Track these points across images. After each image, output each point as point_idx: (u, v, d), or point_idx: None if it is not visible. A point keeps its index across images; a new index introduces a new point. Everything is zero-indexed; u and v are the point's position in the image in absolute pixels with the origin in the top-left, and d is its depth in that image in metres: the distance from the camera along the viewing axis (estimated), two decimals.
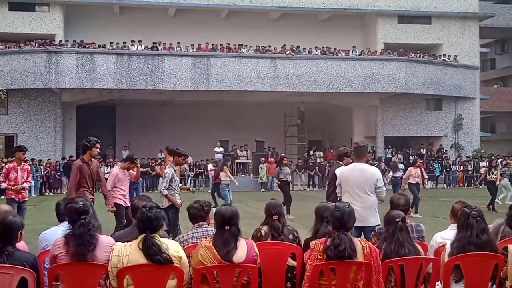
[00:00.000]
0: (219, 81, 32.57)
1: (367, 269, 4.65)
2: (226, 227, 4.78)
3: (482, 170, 18.84)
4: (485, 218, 5.13)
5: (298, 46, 34.86)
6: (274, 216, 5.69)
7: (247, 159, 33.90)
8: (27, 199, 11.37)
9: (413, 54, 36.35)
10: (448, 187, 33.72)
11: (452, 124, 37.69)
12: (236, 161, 32.86)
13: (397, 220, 5.04)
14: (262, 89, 33.10)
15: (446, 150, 36.69)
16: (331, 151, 34.10)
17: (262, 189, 30.65)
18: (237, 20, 36.19)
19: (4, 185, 10.96)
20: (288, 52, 34.23)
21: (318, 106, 37.32)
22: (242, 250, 4.78)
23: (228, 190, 17.20)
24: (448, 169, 34.37)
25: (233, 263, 4.70)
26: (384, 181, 14.10)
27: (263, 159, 31.93)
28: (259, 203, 17.86)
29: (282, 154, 23.23)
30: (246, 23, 35.91)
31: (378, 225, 7.18)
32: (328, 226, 5.21)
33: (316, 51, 34.89)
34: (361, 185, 7.53)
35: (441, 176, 34.38)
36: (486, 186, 19.78)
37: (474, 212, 5.06)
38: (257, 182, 31.82)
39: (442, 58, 37.15)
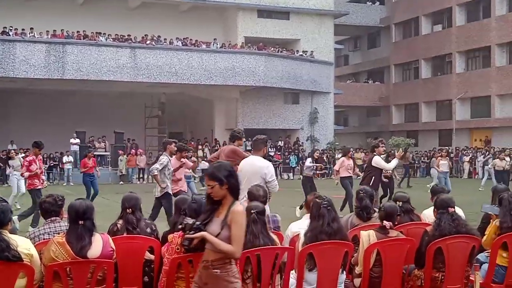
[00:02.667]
0: (75, 70, 31.37)
1: None
2: (80, 222, 4.59)
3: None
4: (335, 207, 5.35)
5: (159, 36, 34.47)
6: (128, 210, 5.57)
7: (105, 151, 33.01)
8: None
9: (272, 49, 37.26)
10: (298, 178, 34.95)
11: (308, 117, 39.15)
12: (94, 153, 31.84)
13: (252, 211, 5.11)
14: (121, 79, 32.37)
15: (302, 143, 38.02)
16: (192, 142, 34.11)
17: (121, 182, 30.01)
18: (95, 7, 35.01)
19: (27, 174, 12.49)
20: (148, 42, 33.74)
21: (179, 98, 37.14)
22: (97, 245, 4.63)
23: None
24: (303, 161, 35.56)
25: (88, 259, 4.54)
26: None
27: (121, 151, 31.24)
28: (117, 196, 17.41)
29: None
30: (104, 10, 34.87)
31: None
32: (186, 218, 5.17)
33: (177, 42, 34.70)
34: (252, 177, 7.48)
35: (297, 167, 35.54)
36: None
37: (325, 202, 5.26)
38: (116, 175, 31.08)
39: (300, 53, 38.45)
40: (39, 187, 12.70)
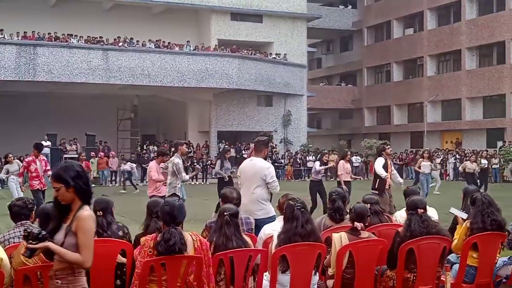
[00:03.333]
0: (46, 72, 31.00)
1: (198, 263, 4.65)
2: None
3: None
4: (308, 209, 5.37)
5: (131, 38, 34.26)
6: (98, 212, 5.52)
7: (77, 154, 32.61)
8: (46, 187, 13.01)
9: (246, 51, 37.28)
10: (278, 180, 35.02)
11: (282, 119, 39.25)
12: (65, 155, 31.47)
13: (225, 213, 5.10)
14: (93, 81, 32.08)
15: (276, 145, 38.09)
16: (165, 145, 33.93)
17: (93, 185, 29.67)
18: (66, 9, 34.65)
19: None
20: (121, 44, 33.50)
21: (152, 100, 36.95)
22: None
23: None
24: (277, 163, 35.63)
25: None
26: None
27: (93, 153, 30.95)
28: None
29: (226, 146, 22.21)
30: (76, 12, 34.51)
31: (269, 217, 7.25)
32: (158, 221, 5.15)
33: (150, 44, 34.52)
34: (252, 178, 7.58)
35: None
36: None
37: (299, 204, 5.28)
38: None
39: (273, 56, 38.55)
40: (37, 187, 13.13)
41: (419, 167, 19.58)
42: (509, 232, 6.04)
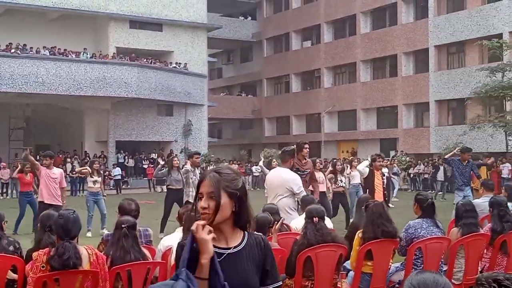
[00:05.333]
0: None
1: (93, 278, 4.51)
2: None
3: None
4: None
5: (24, 45, 32.97)
6: None
7: None
8: None
9: (145, 60, 36.84)
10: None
11: (182, 129, 39.05)
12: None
13: (123, 226, 4.98)
14: None
15: (176, 155, 37.68)
16: (60, 155, 32.85)
17: None
18: None
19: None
20: (13, 50, 32.16)
21: (46, 109, 35.69)
22: None
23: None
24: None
25: None
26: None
27: None
28: None
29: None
30: None
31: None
32: (52, 235, 4.95)
33: (45, 51, 33.36)
34: (277, 189, 7.62)
35: None
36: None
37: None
38: None
39: (173, 65, 38.32)
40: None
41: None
42: (401, 238, 6.28)
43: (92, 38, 37.51)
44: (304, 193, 7.85)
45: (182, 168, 12.84)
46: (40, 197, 11.88)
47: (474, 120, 29.77)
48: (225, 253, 2.59)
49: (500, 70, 28.79)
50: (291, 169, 8.27)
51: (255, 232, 2.73)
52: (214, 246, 2.50)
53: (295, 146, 10.77)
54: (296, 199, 7.88)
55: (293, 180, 7.82)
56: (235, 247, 2.63)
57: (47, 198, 11.58)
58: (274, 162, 15.31)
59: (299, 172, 8.70)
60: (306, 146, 10.25)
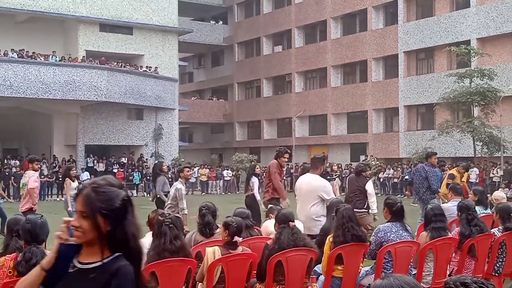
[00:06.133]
0: None
1: None
2: None
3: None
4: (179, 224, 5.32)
5: None
6: None
7: None
8: None
9: (115, 63, 36.54)
10: (148, 195, 34.36)
11: (153, 133, 38.82)
12: None
13: None
14: None
15: (146, 159, 37.56)
16: (27, 160, 32.34)
17: None
18: None
19: None
20: None
21: (14, 112, 35.14)
22: None
23: None
24: (148, 178, 35.05)
25: None
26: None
27: None
28: None
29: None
30: None
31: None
32: (19, 240, 4.86)
33: (13, 53, 32.86)
34: (307, 195, 7.70)
35: (141, 184, 35.02)
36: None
37: (167, 220, 5.21)
38: None
39: (144, 69, 38.10)
40: None
41: None
42: (371, 242, 6.32)
43: (61, 41, 37.09)
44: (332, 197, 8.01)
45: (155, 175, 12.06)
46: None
47: (443, 125, 30.18)
48: (77, 267, 2.49)
49: (468, 76, 29.26)
50: (321, 176, 8.35)
51: (124, 262, 2.47)
52: (78, 260, 2.49)
53: (276, 153, 11.01)
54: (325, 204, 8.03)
55: (324, 187, 8.00)
56: (87, 263, 2.49)
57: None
58: (257, 168, 14.77)
59: (328, 177, 9.01)
60: (286, 155, 10.99)
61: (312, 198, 7.79)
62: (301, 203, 7.98)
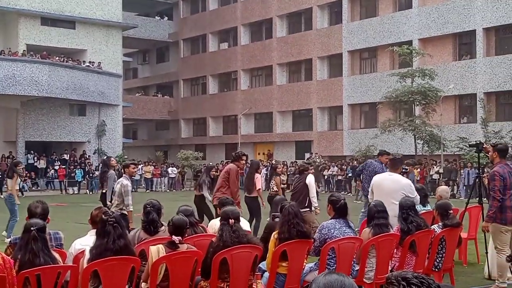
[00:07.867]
0: None
1: (0, 282, 4.32)
2: None
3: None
4: (123, 223, 5.24)
5: None
6: None
7: None
8: None
9: (57, 58, 35.73)
10: (91, 193, 33.79)
11: (96, 130, 38.17)
12: None
13: (32, 228, 4.80)
14: None
15: (89, 156, 36.91)
16: None
17: None
18: None
19: None
20: None
21: None
22: None
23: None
24: (91, 175, 34.48)
25: None
26: None
27: None
28: None
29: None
30: None
31: None
32: None
33: None
34: (392, 193, 7.90)
35: (83, 181, 34.39)
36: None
37: (111, 219, 5.11)
38: None
39: (86, 64, 37.38)
40: None
41: None
42: (315, 239, 6.38)
43: (1, 34, 36.05)
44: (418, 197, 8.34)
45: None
46: None
47: (385, 123, 30.78)
48: None
49: (410, 75, 29.95)
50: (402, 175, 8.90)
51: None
52: None
53: (233, 155, 11.18)
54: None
55: (410, 185, 8.32)
56: None
57: None
58: (259, 168, 14.22)
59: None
60: (244, 157, 11.15)
61: (395, 196, 7.85)
62: (385, 200, 7.93)
